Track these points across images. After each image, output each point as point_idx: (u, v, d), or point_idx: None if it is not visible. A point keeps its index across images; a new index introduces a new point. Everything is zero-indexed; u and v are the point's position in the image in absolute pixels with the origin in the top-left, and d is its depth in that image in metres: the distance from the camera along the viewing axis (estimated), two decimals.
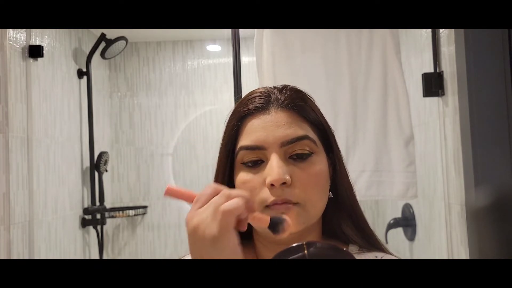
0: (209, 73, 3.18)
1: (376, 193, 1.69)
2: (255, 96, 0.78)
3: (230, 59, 1.86)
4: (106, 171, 2.81)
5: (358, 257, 0.80)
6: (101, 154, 2.74)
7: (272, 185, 0.72)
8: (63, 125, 2.40)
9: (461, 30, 1.57)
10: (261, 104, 0.77)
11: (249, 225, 0.81)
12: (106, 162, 2.78)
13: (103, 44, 2.74)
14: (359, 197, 0.83)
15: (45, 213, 2.14)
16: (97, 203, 2.70)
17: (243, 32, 1.85)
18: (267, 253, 0.79)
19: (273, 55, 1.72)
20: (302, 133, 0.75)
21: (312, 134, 0.76)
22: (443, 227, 1.81)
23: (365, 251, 0.81)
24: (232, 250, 0.61)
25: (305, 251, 0.58)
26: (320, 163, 0.76)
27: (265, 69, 1.73)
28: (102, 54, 2.80)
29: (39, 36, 2.16)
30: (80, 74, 2.67)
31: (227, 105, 2.94)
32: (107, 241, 3.01)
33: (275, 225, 0.65)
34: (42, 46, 1.87)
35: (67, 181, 2.43)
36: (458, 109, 1.62)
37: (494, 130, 1.52)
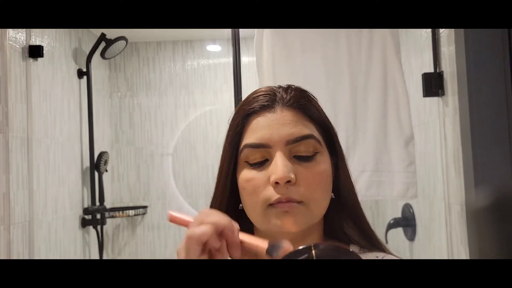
0: (209, 73, 3.18)
1: (376, 193, 1.69)
2: (260, 95, 0.78)
3: (230, 59, 1.86)
4: (106, 171, 2.81)
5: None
6: (101, 154, 2.74)
7: (276, 183, 0.71)
8: (63, 125, 2.40)
9: (461, 30, 1.57)
10: (266, 102, 0.77)
11: (249, 225, 0.81)
12: (106, 162, 2.78)
13: (103, 44, 2.74)
14: (359, 197, 0.83)
15: (45, 213, 2.14)
16: (97, 203, 2.70)
17: (243, 32, 1.85)
18: None
19: (273, 55, 1.72)
20: (308, 132, 0.75)
21: (316, 134, 0.76)
22: (443, 227, 1.80)
23: (366, 251, 0.81)
24: None
25: (312, 252, 0.58)
26: (324, 163, 0.76)
27: (265, 69, 1.73)
28: (102, 54, 2.80)
29: (39, 36, 2.16)
30: (80, 74, 2.67)
31: (227, 105, 2.94)
32: (107, 241, 3.01)
33: (272, 251, 0.63)
34: (42, 46, 1.87)
35: (67, 181, 2.43)
36: (458, 109, 1.62)
37: (494, 130, 1.52)
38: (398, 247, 2.38)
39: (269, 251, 0.63)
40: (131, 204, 3.09)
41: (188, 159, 3.12)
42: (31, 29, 1.90)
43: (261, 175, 0.74)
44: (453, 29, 1.63)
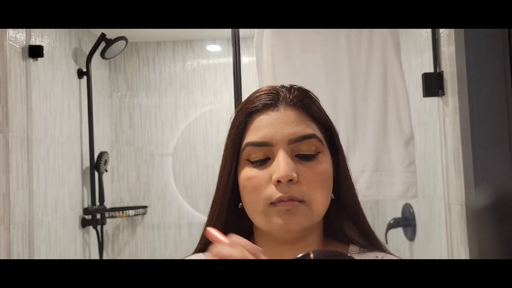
0: (209, 73, 3.18)
1: (376, 193, 1.69)
2: (263, 93, 0.78)
3: (230, 59, 1.86)
4: (106, 171, 2.81)
5: (359, 257, 0.80)
6: (101, 154, 2.74)
7: (278, 181, 0.71)
8: (63, 125, 2.40)
9: (461, 30, 1.57)
10: (269, 101, 0.77)
11: (249, 225, 0.81)
12: (106, 162, 2.78)
13: (103, 44, 2.74)
14: (359, 197, 0.83)
15: (45, 213, 2.14)
16: (97, 203, 2.70)
17: (243, 32, 1.85)
18: (268, 252, 0.78)
19: (273, 55, 1.72)
20: (310, 132, 0.75)
21: (319, 134, 0.76)
22: (443, 227, 1.80)
23: (366, 251, 0.81)
24: None
25: (311, 256, 0.58)
26: (325, 163, 0.76)
27: (265, 69, 1.73)
28: (102, 54, 2.80)
29: (39, 36, 2.16)
30: (80, 74, 2.67)
31: (227, 105, 2.94)
32: (107, 241, 3.01)
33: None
34: (42, 46, 1.87)
35: (67, 181, 2.43)
36: (458, 109, 1.62)
37: (494, 130, 1.52)
38: (398, 247, 2.38)
39: None
40: (131, 204, 3.09)
41: (188, 159, 3.12)
42: (31, 29, 1.90)
43: (263, 174, 0.74)
44: (453, 29, 1.63)
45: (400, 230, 2.33)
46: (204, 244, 0.82)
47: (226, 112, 2.98)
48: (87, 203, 2.68)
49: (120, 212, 2.92)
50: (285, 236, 0.75)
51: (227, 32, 1.94)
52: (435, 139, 1.88)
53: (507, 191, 0.46)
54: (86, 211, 2.61)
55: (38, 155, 2.05)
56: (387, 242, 2.28)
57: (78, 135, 2.62)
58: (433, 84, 1.77)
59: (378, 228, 2.52)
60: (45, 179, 2.15)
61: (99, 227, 2.70)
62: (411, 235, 2.24)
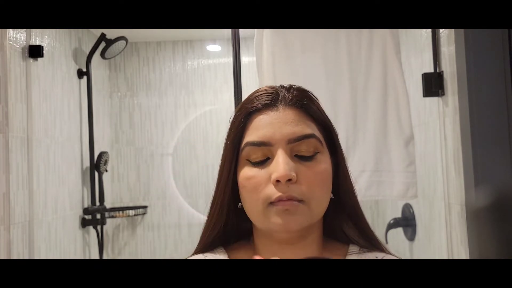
0: (209, 73, 3.18)
1: (376, 193, 1.69)
2: (262, 93, 0.78)
3: (230, 59, 1.86)
4: (106, 171, 2.81)
5: (359, 257, 0.80)
6: (101, 154, 2.74)
7: (278, 181, 0.71)
8: (63, 125, 2.40)
9: (461, 30, 1.57)
10: (269, 101, 0.77)
11: (249, 225, 0.81)
12: (106, 162, 2.78)
13: (103, 44, 2.74)
14: (359, 197, 0.83)
15: (45, 213, 2.14)
16: (97, 203, 2.70)
17: (243, 32, 1.85)
18: (268, 253, 0.78)
19: (273, 55, 1.72)
20: (309, 132, 0.75)
21: (318, 134, 0.76)
22: (443, 227, 1.80)
23: (366, 251, 0.81)
24: None
25: None
26: (325, 162, 0.76)
27: (265, 69, 1.73)
28: (102, 54, 2.80)
29: (39, 36, 2.16)
30: (80, 74, 2.67)
31: (227, 105, 2.94)
32: (107, 241, 3.01)
33: None
34: (42, 46, 1.87)
35: (67, 181, 2.43)
36: (458, 109, 1.62)
37: (494, 130, 1.52)
38: (398, 247, 2.38)
39: None
40: (131, 204, 3.09)
41: (188, 159, 3.12)
42: (31, 29, 1.90)
43: (262, 173, 0.74)
44: (453, 29, 1.63)
45: (400, 230, 2.33)
46: (204, 244, 0.82)
47: (226, 112, 2.98)
48: (87, 203, 2.68)
49: (120, 212, 2.91)
50: (285, 236, 0.75)
51: (227, 32, 1.94)
52: (435, 139, 1.88)
53: (507, 191, 0.46)
54: (86, 211, 2.61)
55: (38, 155, 2.05)
56: (387, 242, 2.28)
57: (78, 135, 2.62)
58: (433, 84, 1.77)
59: (378, 228, 2.52)
60: (45, 179, 2.15)
61: (99, 227, 2.70)
62: (411, 235, 2.24)
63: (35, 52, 1.85)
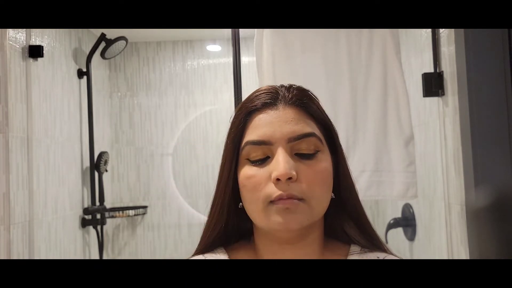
0: (209, 73, 3.18)
1: (376, 193, 1.69)
2: (262, 93, 0.78)
3: (230, 59, 1.86)
4: (106, 171, 2.81)
5: (360, 257, 0.80)
6: (101, 154, 2.74)
7: (278, 179, 0.71)
8: (63, 125, 2.40)
9: (461, 30, 1.57)
10: (269, 100, 0.77)
11: (249, 225, 0.81)
12: (106, 162, 2.78)
13: (103, 44, 2.74)
14: (359, 197, 0.83)
15: (45, 213, 2.14)
16: (97, 203, 2.70)
17: (243, 32, 1.85)
18: (268, 253, 0.78)
19: (273, 55, 1.72)
20: (309, 130, 0.75)
21: (318, 132, 0.76)
22: (443, 227, 1.80)
23: (367, 251, 0.81)
24: None
25: None
26: (325, 161, 0.76)
27: (265, 69, 1.73)
28: (102, 54, 2.80)
29: (39, 36, 2.16)
30: (80, 74, 2.67)
31: (227, 105, 2.94)
32: (107, 241, 3.01)
33: None
34: (42, 46, 1.87)
35: (67, 181, 2.43)
36: (458, 109, 1.62)
37: (494, 130, 1.52)
38: (398, 247, 2.38)
39: None
40: (131, 204, 3.09)
41: (188, 159, 3.12)
42: (31, 29, 1.90)
43: (262, 172, 0.74)
44: (453, 29, 1.63)
45: (400, 230, 2.33)
46: (205, 245, 0.82)
47: (226, 112, 2.98)
48: (87, 203, 2.68)
49: (120, 212, 2.91)
50: (285, 235, 0.75)
51: (227, 32, 1.94)
52: (435, 139, 1.88)
53: (507, 191, 0.46)
54: (86, 211, 2.61)
55: (38, 155, 2.05)
56: (387, 242, 2.28)
57: (78, 135, 2.62)
58: (433, 84, 1.77)
59: (378, 228, 2.50)
60: (45, 179, 2.15)
61: (99, 227, 2.70)
62: (411, 235, 2.24)
63: (35, 52, 1.85)
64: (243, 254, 0.81)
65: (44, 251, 2.11)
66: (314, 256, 0.78)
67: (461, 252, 1.65)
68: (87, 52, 2.73)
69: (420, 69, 1.96)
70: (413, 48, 2.11)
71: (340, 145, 0.80)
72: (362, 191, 1.66)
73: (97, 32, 2.79)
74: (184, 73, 3.18)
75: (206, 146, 3.11)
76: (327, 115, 0.80)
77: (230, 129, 0.79)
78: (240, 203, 0.78)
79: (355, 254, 0.80)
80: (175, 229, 3.08)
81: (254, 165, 0.75)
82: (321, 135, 0.77)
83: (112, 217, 2.86)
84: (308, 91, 0.80)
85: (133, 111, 3.16)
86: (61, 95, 2.40)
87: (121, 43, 2.76)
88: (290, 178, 0.71)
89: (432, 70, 1.79)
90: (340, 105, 1.72)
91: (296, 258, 0.76)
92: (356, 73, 1.73)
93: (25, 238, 1.76)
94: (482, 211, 0.47)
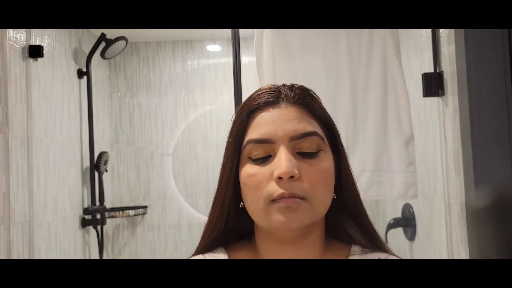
0: (209, 73, 3.18)
1: (376, 193, 1.69)
2: (265, 91, 0.78)
3: (230, 59, 1.86)
4: (106, 171, 2.81)
5: (361, 257, 0.79)
6: (101, 154, 2.74)
7: (280, 178, 0.71)
8: (63, 125, 2.40)
9: (461, 30, 1.57)
10: (271, 99, 0.76)
11: (250, 224, 0.81)
12: (106, 162, 2.78)
13: (103, 44, 2.74)
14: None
15: (45, 213, 2.14)
16: (97, 203, 2.70)
17: (243, 32, 1.85)
18: (269, 253, 0.78)
19: (273, 55, 1.72)
20: (312, 129, 0.75)
21: (320, 131, 0.76)
22: (443, 227, 1.80)
23: (368, 251, 0.81)
24: None
25: None
26: (327, 160, 0.76)
27: (265, 69, 1.73)
28: (102, 54, 2.80)
29: (39, 36, 2.16)
30: (80, 74, 2.67)
31: (227, 105, 2.94)
32: (107, 241, 3.01)
33: None
34: (42, 46, 1.87)
35: (67, 181, 2.43)
36: (458, 109, 1.62)
37: (494, 130, 1.52)
38: (398, 247, 2.38)
39: None
40: (131, 204, 3.09)
41: (188, 159, 3.12)
42: (31, 29, 1.90)
43: (264, 171, 0.73)
44: (453, 29, 1.63)
45: (400, 230, 2.33)
46: (205, 245, 0.82)
47: (226, 112, 2.98)
48: (87, 203, 2.68)
49: (120, 212, 2.91)
50: (286, 235, 0.75)
51: (227, 32, 1.94)
52: (435, 139, 1.88)
53: (507, 191, 0.46)
54: (86, 211, 2.61)
55: (38, 155, 2.05)
56: (387, 242, 2.28)
57: (78, 135, 2.62)
58: (433, 84, 1.77)
59: (378, 228, 2.50)
60: (45, 179, 2.15)
61: (99, 227, 2.70)
62: (411, 235, 2.24)
63: (35, 52, 1.85)
64: (243, 254, 0.81)
65: (44, 251, 2.11)
66: (315, 256, 0.78)
67: (461, 252, 1.65)
68: (87, 52, 2.73)
69: (420, 69, 1.96)
70: (413, 48, 2.11)
71: (342, 145, 0.80)
72: (362, 191, 1.64)
73: (97, 32, 2.79)
74: (184, 73, 3.18)
75: (206, 146, 3.11)
76: (329, 115, 0.80)
77: (232, 127, 0.79)
78: (241, 202, 0.78)
79: (356, 254, 0.80)
80: (175, 229, 3.08)
81: (255, 164, 0.74)
82: (323, 134, 0.77)
83: (112, 217, 2.87)
84: (310, 90, 0.80)
85: (133, 111, 3.16)
86: (61, 95, 2.40)
87: (121, 43, 2.76)
88: (292, 177, 0.71)
89: (432, 70, 1.79)
90: (340, 105, 1.72)
91: (296, 258, 0.76)
92: (356, 73, 1.73)
93: (25, 238, 1.76)
94: (482, 211, 0.47)
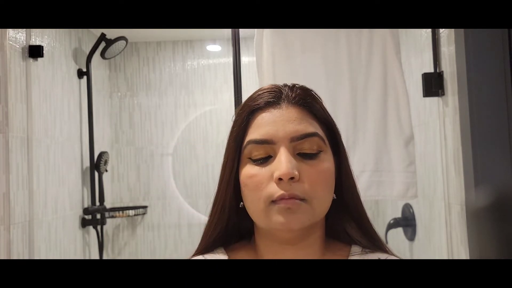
0: (209, 73, 3.18)
1: (376, 193, 1.69)
2: (265, 92, 0.77)
3: (230, 59, 1.86)
4: (106, 171, 2.81)
5: (361, 257, 0.79)
6: (101, 154, 2.74)
7: (280, 179, 0.71)
8: (63, 125, 2.40)
9: (461, 30, 1.57)
10: (272, 99, 0.76)
11: (250, 225, 0.81)
12: (106, 162, 2.78)
13: (103, 44, 2.74)
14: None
15: (45, 213, 2.14)
16: (97, 203, 2.70)
17: (243, 32, 1.85)
18: (269, 253, 0.78)
19: (273, 55, 1.72)
20: (313, 130, 0.75)
21: (321, 132, 0.76)
22: (443, 227, 1.80)
23: (368, 252, 0.80)
24: None
25: None
26: (327, 161, 0.75)
27: (265, 69, 1.73)
28: (102, 54, 2.79)
29: (39, 36, 2.16)
30: (80, 74, 2.67)
31: (227, 105, 2.94)
32: (107, 241, 3.01)
33: None
34: (42, 46, 1.87)
35: (67, 181, 2.43)
36: (458, 109, 1.62)
37: (494, 130, 1.52)
38: (398, 247, 2.38)
39: None
40: (131, 204, 3.09)
41: (188, 159, 3.12)
42: (31, 29, 1.90)
43: (264, 171, 0.73)
44: (453, 29, 1.63)
45: (400, 230, 2.33)
46: (206, 245, 0.82)
47: (226, 112, 2.98)
48: (87, 203, 2.68)
49: (120, 212, 2.91)
50: (286, 236, 0.75)
51: (227, 32, 1.94)
52: (435, 139, 1.88)
53: (507, 191, 0.46)
54: (86, 211, 2.61)
55: (38, 155, 2.05)
56: (387, 242, 2.28)
57: (78, 135, 2.62)
58: (433, 84, 1.77)
59: (378, 228, 2.50)
60: (45, 179, 2.15)
61: (99, 227, 2.70)
62: (411, 235, 2.24)
63: (35, 52, 1.85)
64: (243, 254, 0.81)
65: (44, 251, 2.11)
66: (315, 257, 0.77)
67: (461, 252, 1.65)
68: (87, 52, 2.73)
69: (420, 69, 1.96)
70: (413, 48, 2.11)
71: (343, 146, 0.80)
72: (362, 191, 1.64)
73: (97, 32, 2.79)
74: (184, 73, 3.18)
75: (206, 146, 3.11)
76: (330, 115, 0.80)
77: (233, 127, 0.78)
78: (241, 203, 0.77)
79: (356, 254, 0.80)
80: (175, 229, 3.08)
81: (256, 164, 0.74)
82: (324, 135, 0.76)
83: (112, 217, 2.87)
84: (312, 90, 0.80)
85: (133, 111, 3.16)
86: (61, 95, 2.40)
87: (121, 43, 2.76)
88: (292, 178, 0.71)
89: (432, 70, 1.79)
90: (340, 105, 1.72)
91: (296, 258, 0.76)
92: (356, 73, 1.73)
93: (25, 238, 1.76)
94: (482, 211, 0.47)
